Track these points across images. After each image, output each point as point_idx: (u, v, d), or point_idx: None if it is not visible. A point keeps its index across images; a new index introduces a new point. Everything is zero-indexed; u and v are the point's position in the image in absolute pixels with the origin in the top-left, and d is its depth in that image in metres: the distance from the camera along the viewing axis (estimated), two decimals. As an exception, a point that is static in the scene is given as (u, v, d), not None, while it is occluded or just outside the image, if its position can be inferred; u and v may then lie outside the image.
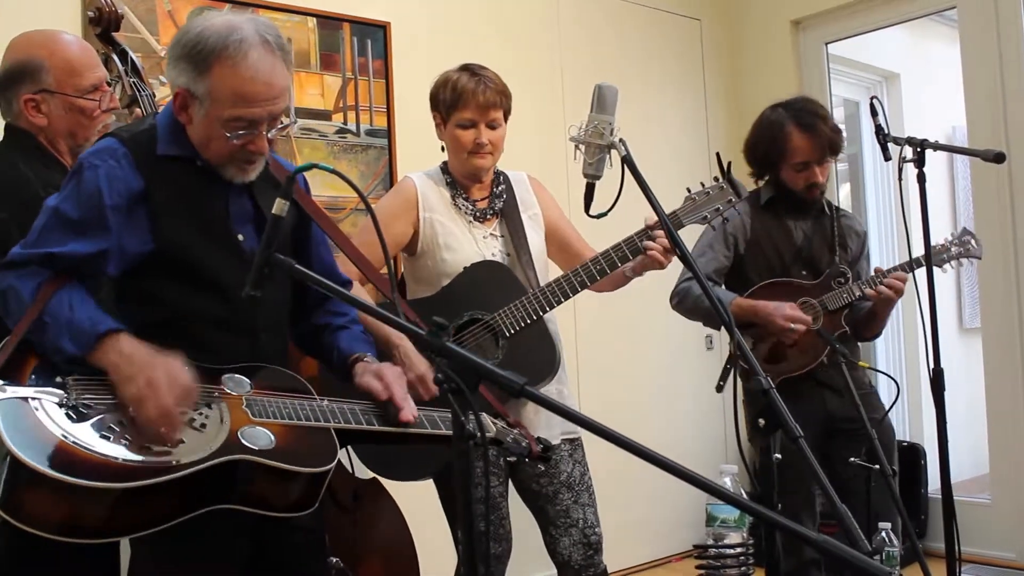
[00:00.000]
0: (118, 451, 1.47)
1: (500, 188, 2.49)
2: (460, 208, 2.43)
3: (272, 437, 1.60)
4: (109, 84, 2.25)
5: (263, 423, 1.62)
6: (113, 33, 2.46)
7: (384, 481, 2.44)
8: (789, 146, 2.80)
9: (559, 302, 2.28)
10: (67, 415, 1.49)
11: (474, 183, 2.46)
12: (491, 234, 2.44)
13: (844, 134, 2.92)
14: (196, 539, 1.57)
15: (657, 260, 2.23)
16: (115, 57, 2.43)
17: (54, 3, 2.88)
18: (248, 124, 1.66)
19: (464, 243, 2.38)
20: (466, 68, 2.41)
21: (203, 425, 1.58)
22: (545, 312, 2.28)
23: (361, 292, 2.26)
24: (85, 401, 1.52)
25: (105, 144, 1.71)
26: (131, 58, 2.45)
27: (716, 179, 2.29)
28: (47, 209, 1.66)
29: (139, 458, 1.47)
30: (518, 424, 1.94)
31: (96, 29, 2.46)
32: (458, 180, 2.46)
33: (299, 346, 2.00)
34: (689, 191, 2.32)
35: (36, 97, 2.10)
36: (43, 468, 1.39)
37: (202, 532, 1.55)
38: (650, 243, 2.23)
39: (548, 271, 2.49)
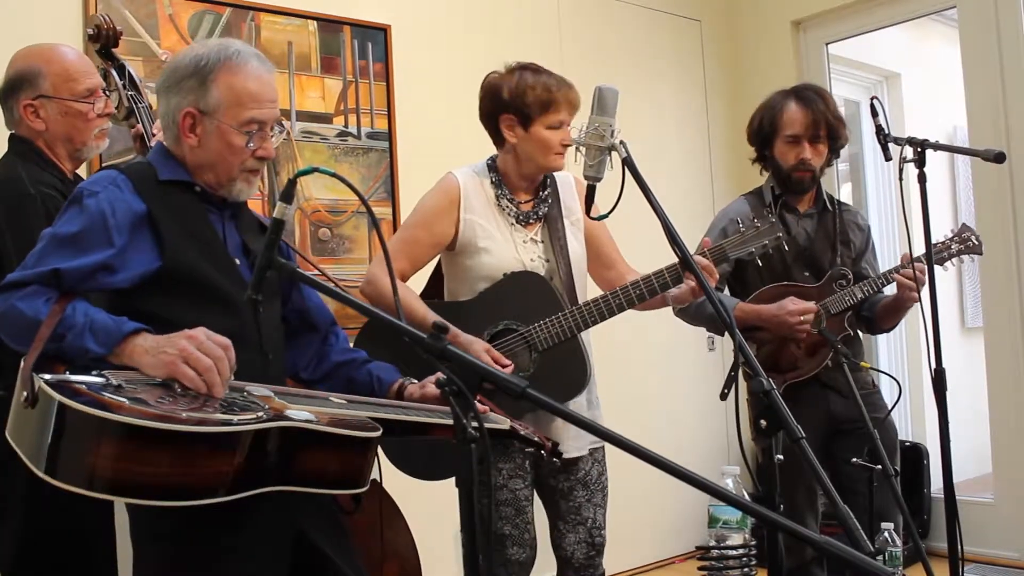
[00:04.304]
0: (175, 412, 1.38)
1: (546, 192, 2.45)
2: (504, 209, 2.40)
3: (315, 417, 1.55)
4: (105, 92, 2.36)
5: (302, 408, 1.58)
6: (112, 49, 2.55)
7: (386, 486, 2.43)
8: (783, 118, 2.82)
9: (595, 322, 2.30)
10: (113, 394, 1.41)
11: (529, 184, 2.43)
12: (532, 239, 2.41)
13: (847, 127, 2.92)
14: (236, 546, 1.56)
15: (694, 290, 2.26)
16: (114, 72, 2.52)
17: (54, 20, 2.92)
18: (260, 125, 1.74)
19: (503, 246, 2.36)
20: (537, 69, 2.36)
21: (245, 408, 1.50)
22: (580, 331, 2.29)
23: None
24: (125, 385, 1.45)
25: (103, 174, 1.74)
26: (129, 72, 2.53)
27: (768, 213, 2.30)
28: (44, 236, 1.64)
29: (199, 415, 1.39)
30: (528, 426, 1.95)
31: (95, 45, 2.55)
32: (509, 180, 2.42)
33: (312, 382, 1.98)
34: (739, 222, 2.34)
35: (34, 103, 2.21)
36: (104, 413, 1.30)
37: (243, 543, 1.54)
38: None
39: (587, 280, 2.50)
